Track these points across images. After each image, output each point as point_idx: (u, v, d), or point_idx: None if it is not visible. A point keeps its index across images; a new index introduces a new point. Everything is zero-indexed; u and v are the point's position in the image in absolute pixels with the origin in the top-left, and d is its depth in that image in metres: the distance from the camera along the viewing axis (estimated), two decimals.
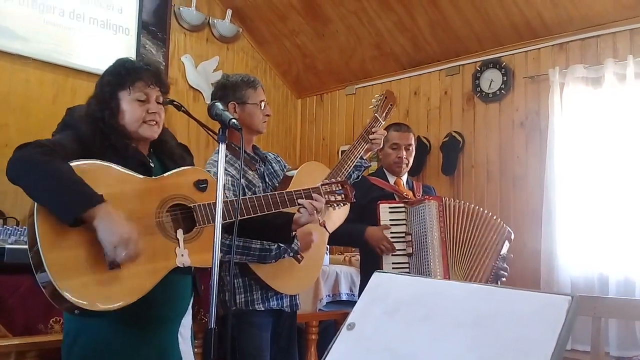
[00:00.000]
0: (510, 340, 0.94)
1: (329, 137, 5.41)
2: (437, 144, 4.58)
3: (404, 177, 2.93)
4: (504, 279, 2.64)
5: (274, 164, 2.43)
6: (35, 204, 1.50)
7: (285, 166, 2.49)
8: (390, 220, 2.63)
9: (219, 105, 1.70)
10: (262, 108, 2.31)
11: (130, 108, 1.71)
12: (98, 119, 1.69)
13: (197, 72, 4.89)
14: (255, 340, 2.16)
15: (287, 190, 1.97)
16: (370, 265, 2.65)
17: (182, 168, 1.77)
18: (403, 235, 2.62)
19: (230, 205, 1.78)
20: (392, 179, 2.90)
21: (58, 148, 1.58)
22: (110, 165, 1.63)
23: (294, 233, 2.03)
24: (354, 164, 2.45)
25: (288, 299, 2.30)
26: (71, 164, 1.55)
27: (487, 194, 4.23)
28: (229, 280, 2.13)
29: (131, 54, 4.44)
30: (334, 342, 1.20)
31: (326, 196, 1.97)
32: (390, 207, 2.66)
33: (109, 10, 4.32)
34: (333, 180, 2.05)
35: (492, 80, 4.34)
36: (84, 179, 1.53)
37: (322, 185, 1.99)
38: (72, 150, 1.60)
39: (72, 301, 1.47)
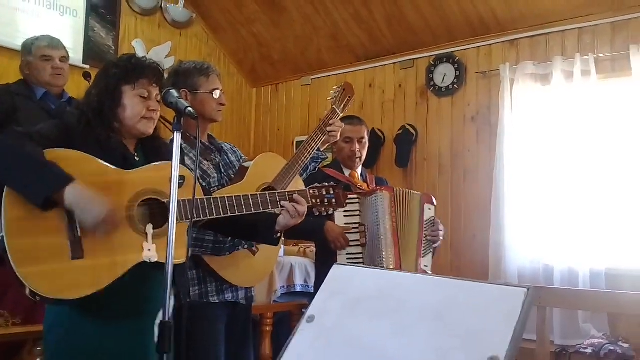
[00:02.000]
0: (469, 332, 0.96)
1: (284, 127, 5.38)
2: (391, 136, 4.63)
3: (359, 170, 2.95)
4: (436, 245, 2.72)
5: (229, 155, 2.40)
6: (5, 191, 1.50)
7: (241, 157, 2.46)
8: (344, 211, 2.64)
9: (174, 92, 1.67)
10: (217, 97, 2.26)
11: (132, 103, 1.73)
12: (97, 109, 1.70)
13: (148, 57, 4.75)
14: (209, 333, 2.13)
15: (270, 191, 1.94)
16: (325, 257, 2.66)
17: (160, 162, 1.73)
18: (357, 226, 2.64)
19: (207, 202, 1.78)
20: (347, 172, 2.92)
21: (35, 136, 1.59)
22: (86, 155, 1.62)
23: (278, 235, 2.00)
24: (311, 155, 2.45)
25: (243, 291, 2.28)
26: (45, 151, 1.55)
27: (438, 186, 4.32)
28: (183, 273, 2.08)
29: (79, 37, 4.28)
30: (294, 334, 1.19)
31: (314, 200, 1.96)
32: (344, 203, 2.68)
33: None
34: (325, 184, 2.02)
35: (445, 74, 4.42)
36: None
37: (310, 188, 1.98)
38: (51, 139, 1.61)
39: (30, 287, 1.48)
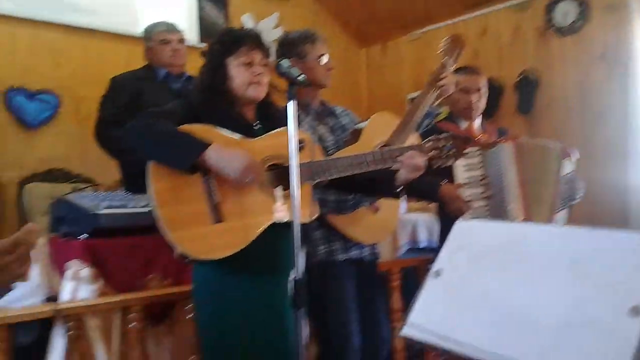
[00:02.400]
0: (608, 282, 0.92)
1: (395, 86, 5.30)
2: (511, 83, 4.40)
3: (477, 121, 2.85)
4: (574, 202, 2.56)
5: (342, 117, 2.43)
6: (149, 167, 1.69)
7: (354, 119, 2.48)
8: (464, 165, 2.57)
9: (284, 63, 1.71)
10: (324, 62, 2.30)
11: (237, 72, 1.84)
12: (209, 86, 1.84)
13: (257, 30, 4.87)
14: (338, 290, 2.21)
15: (388, 147, 1.96)
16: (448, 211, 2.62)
17: (281, 129, 1.81)
18: (480, 179, 2.56)
19: (326, 164, 1.85)
20: (464, 124, 2.83)
21: (167, 114, 1.77)
22: (212, 127, 1.77)
23: (400, 188, 2.00)
24: (425, 112, 2.41)
25: (368, 248, 2.34)
26: (178, 127, 1.72)
27: (567, 131, 4.04)
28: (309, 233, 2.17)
29: (192, 18, 4.49)
30: (422, 289, 1.21)
31: (432, 152, 1.94)
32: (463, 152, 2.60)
33: None
34: (443, 134, 1.98)
35: (566, 12, 4.09)
36: None
37: (427, 141, 1.96)
38: (179, 117, 1.77)
39: (181, 250, 1.67)
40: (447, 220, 2.59)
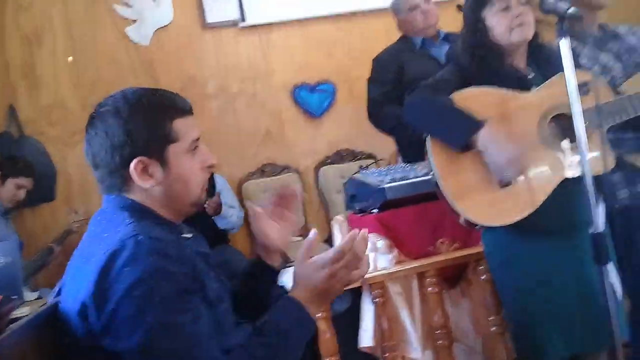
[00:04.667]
0: None
1: None
2: None
3: None
4: None
5: (629, 37, 2.11)
6: (428, 140, 1.74)
7: None
8: None
9: None
10: None
11: (496, 21, 1.74)
12: (472, 45, 1.78)
13: None
14: None
15: None
16: None
17: (557, 75, 1.69)
18: None
19: (614, 106, 1.68)
20: None
21: (440, 84, 1.78)
22: (485, 88, 1.73)
23: None
24: None
25: None
26: (453, 95, 1.72)
27: None
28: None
29: None
30: None
31: None
32: None
33: None
34: None
35: None
36: (466, 107, 1.68)
37: None
38: (452, 83, 1.77)
39: (468, 218, 1.68)
40: None
